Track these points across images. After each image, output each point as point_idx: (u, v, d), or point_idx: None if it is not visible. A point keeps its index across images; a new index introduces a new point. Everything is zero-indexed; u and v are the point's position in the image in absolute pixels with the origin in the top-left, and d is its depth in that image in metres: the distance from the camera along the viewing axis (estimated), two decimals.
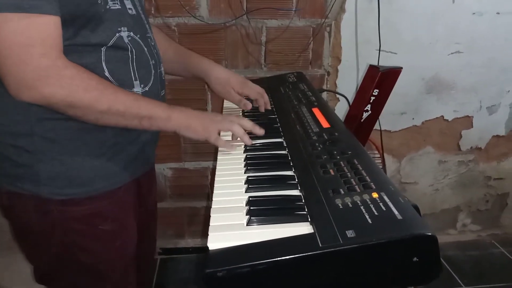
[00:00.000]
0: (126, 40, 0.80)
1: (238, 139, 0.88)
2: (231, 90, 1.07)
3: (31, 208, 0.80)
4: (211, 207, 0.66)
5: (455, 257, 1.86)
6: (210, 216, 0.63)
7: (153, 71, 0.87)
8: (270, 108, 1.10)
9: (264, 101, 1.09)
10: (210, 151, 1.66)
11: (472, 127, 1.77)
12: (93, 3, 0.74)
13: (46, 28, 0.67)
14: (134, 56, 0.81)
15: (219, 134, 0.87)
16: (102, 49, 0.76)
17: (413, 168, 1.83)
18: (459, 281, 1.71)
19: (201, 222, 1.81)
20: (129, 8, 0.84)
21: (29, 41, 0.65)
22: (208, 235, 0.57)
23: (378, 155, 1.55)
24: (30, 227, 0.83)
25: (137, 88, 0.83)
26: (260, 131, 0.89)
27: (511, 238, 2.00)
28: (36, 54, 0.66)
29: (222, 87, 1.07)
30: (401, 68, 1.04)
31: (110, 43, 0.77)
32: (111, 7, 0.78)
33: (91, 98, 0.71)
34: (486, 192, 1.93)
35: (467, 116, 1.75)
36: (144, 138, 0.89)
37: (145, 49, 0.85)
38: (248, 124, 0.89)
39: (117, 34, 0.78)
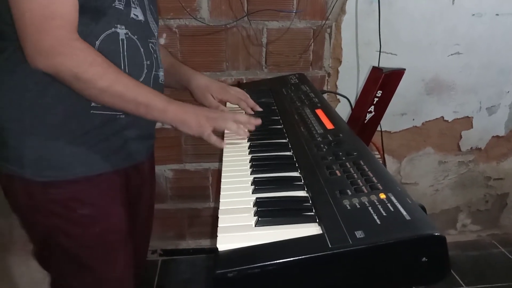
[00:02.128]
0: (122, 36, 0.84)
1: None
2: (209, 96, 1.10)
3: (19, 190, 0.85)
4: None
5: (456, 257, 1.86)
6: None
7: (145, 70, 0.90)
8: (259, 109, 1.11)
9: (247, 105, 1.10)
10: (210, 152, 1.66)
11: (472, 127, 1.78)
12: None
13: (66, 6, 0.75)
14: (126, 52, 0.85)
15: (223, 134, 0.89)
16: (96, 42, 0.81)
17: (413, 169, 1.83)
18: (459, 281, 1.72)
19: (202, 223, 1.80)
20: (134, 14, 0.88)
21: (50, 14, 0.73)
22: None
23: (379, 156, 1.56)
24: (21, 208, 0.89)
25: None
26: (256, 121, 0.93)
27: (511, 238, 2.01)
28: (54, 26, 0.73)
29: (200, 94, 1.11)
30: (404, 69, 1.05)
31: (104, 36, 0.81)
32: (116, 6, 0.83)
33: (95, 73, 0.76)
34: (486, 192, 1.94)
35: (467, 116, 1.76)
36: (128, 133, 0.92)
37: (142, 49, 0.89)
38: (243, 118, 0.92)
39: (112, 29, 0.83)
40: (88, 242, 0.90)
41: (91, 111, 0.83)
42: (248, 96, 1.13)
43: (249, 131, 0.93)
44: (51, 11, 0.73)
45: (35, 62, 0.74)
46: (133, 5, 0.88)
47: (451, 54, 1.63)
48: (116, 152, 0.91)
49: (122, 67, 0.85)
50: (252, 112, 1.09)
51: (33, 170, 0.82)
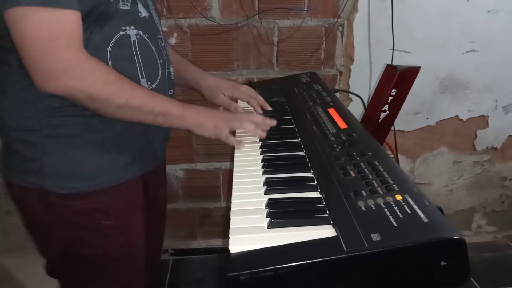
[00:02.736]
0: (133, 38, 0.82)
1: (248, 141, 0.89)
2: (220, 95, 1.10)
3: (37, 202, 0.82)
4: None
5: (471, 258, 1.74)
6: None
7: (160, 70, 0.89)
8: (269, 108, 1.10)
9: (258, 103, 1.09)
10: (221, 152, 1.65)
11: (487, 127, 1.74)
12: (106, 1, 0.76)
13: (69, 22, 0.70)
14: (140, 54, 0.83)
15: (234, 133, 0.88)
16: (108, 48, 0.78)
17: (427, 169, 1.80)
18: (475, 283, 1.68)
19: (213, 223, 1.80)
20: (140, 11, 0.86)
21: (55, 34, 0.68)
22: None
23: (392, 156, 1.53)
24: (37, 220, 0.85)
25: (144, 85, 0.85)
26: (271, 122, 0.91)
27: None
28: (61, 47, 0.69)
29: (212, 93, 1.11)
30: (419, 67, 1.03)
31: (115, 40, 0.79)
32: (121, 7, 0.80)
33: (110, 91, 0.74)
34: (502, 193, 1.90)
35: (482, 115, 1.72)
36: (151, 135, 0.91)
37: (153, 48, 0.87)
38: (259, 119, 0.91)
39: (121, 32, 0.80)
40: (111, 251, 0.89)
41: (112, 119, 0.80)
42: (258, 94, 1.12)
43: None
44: (54, 31, 0.68)
45: (45, 86, 0.71)
46: (137, 0, 0.86)
47: (466, 52, 1.60)
48: (138, 157, 0.89)
49: (138, 71, 0.83)
50: (261, 111, 1.08)
51: (55, 181, 0.80)
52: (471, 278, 1.70)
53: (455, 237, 0.50)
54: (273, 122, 0.92)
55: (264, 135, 0.90)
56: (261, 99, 1.10)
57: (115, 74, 0.76)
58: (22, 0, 0.65)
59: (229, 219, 0.62)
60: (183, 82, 1.14)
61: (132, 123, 0.83)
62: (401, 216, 0.54)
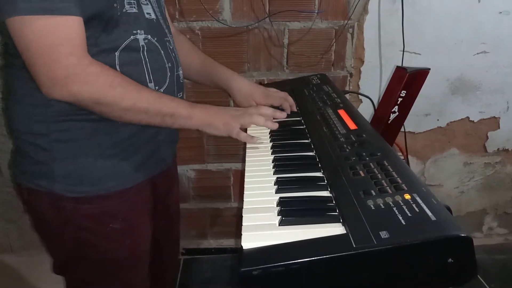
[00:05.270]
0: (142, 43, 0.82)
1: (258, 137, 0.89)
2: (252, 102, 1.09)
3: (46, 204, 0.83)
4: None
5: (482, 260, 1.82)
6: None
7: (168, 74, 0.89)
8: (296, 110, 1.10)
9: (289, 104, 1.10)
10: (232, 153, 1.67)
11: (498, 128, 1.73)
12: (109, 6, 0.76)
13: (71, 28, 0.70)
14: (148, 59, 0.83)
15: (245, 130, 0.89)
16: (116, 53, 0.78)
17: (438, 170, 1.80)
18: (486, 285, 1.67)
19: (223, 223, 1.82)
20: (147, 13, 0.85)
21: (58, 41, 0.69)
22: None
23: (402, 157, 1.54)
24: (46, 222, 0.87)
25: None
26: (281, 114, 0.92)
27: None
28: (65, 53, 0.70)
29: (244, 100, 1.09)
30: (429, 69, 1.03)
31: (124, 45, 0.79)
32: (128, 11, 0.80)
33: (116, 95, 0.75)
34: None
35: (494, 117, 1.71)
36: (160, 138, 0.91)
37: (162, 51, 0.87)
38: (268, 111, 0.91)
39: (131, 37, 0.80)
40: (117, 254, 0.90)
41: (119, 123, 0.81)
42: (287, 94, 1.12)
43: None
44: (57, 37, 0.69)
45: (51, 93, 0.72)
46: (143, 2, 0.85)
47: (477, 53, 1.60)
48: (147, 161, 0.90)
49: (146, 76, 0.83)
50: (289, 112, 1.09)
51: (64, 185, 0.81)
52: (483, 280, 1.69)
53: (462, 235, 0.51)
54: (283, 114, 0.91)
55: (275, 126, 0.89)
56: (291, 100, 1.10)
57: (121, 77, 0.76)
58: (22, 9, 0.66)
59: (241, 217, 0.64)
60: (211, 83, 1.13)
61: (141, 127, 0.83)
62: (409, 215, 0.56)
